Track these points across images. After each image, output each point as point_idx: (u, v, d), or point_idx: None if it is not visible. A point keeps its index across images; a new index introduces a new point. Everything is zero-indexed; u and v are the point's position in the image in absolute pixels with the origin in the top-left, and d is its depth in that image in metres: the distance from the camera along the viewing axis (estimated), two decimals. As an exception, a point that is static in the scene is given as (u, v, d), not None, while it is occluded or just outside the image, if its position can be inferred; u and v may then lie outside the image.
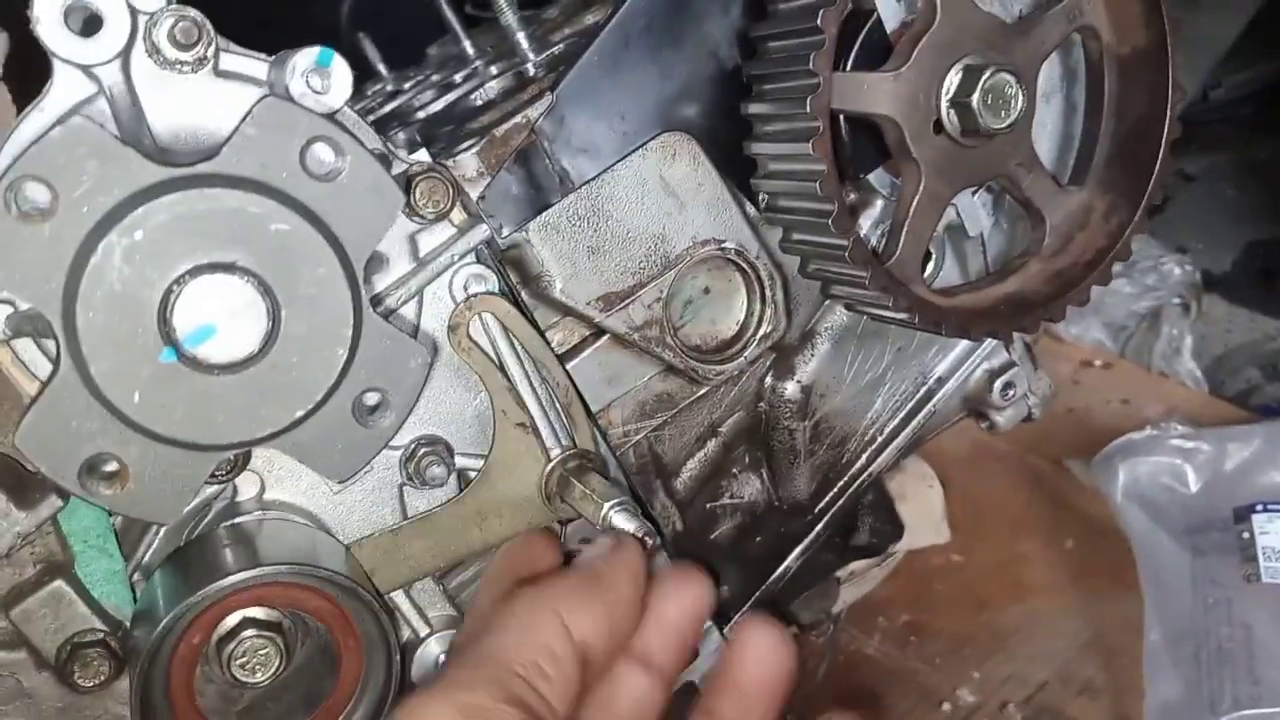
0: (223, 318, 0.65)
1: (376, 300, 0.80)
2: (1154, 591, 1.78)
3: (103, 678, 0.77)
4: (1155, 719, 1.64)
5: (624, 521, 0.80)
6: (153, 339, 0.64)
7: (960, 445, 2.26)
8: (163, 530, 0.80)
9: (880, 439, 1.08)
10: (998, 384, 1.10)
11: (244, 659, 0.74)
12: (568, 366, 0.93)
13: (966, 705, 1.79)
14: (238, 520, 0.80)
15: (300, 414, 0.70)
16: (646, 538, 0.79)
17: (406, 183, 0.79)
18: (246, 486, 0.82)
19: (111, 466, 0.68)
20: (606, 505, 0.81)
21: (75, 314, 0.63)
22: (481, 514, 0.89)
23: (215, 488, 0.81)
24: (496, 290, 0.86)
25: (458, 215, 0.84)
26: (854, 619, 1.95)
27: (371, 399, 0.73)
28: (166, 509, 0.70)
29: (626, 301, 0.91)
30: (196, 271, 0.64)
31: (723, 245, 0.93)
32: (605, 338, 0.94)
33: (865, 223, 0.98)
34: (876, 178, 0.96)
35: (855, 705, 1.80)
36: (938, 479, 1.35)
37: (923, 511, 1.29)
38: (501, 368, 0.87)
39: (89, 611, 0.78)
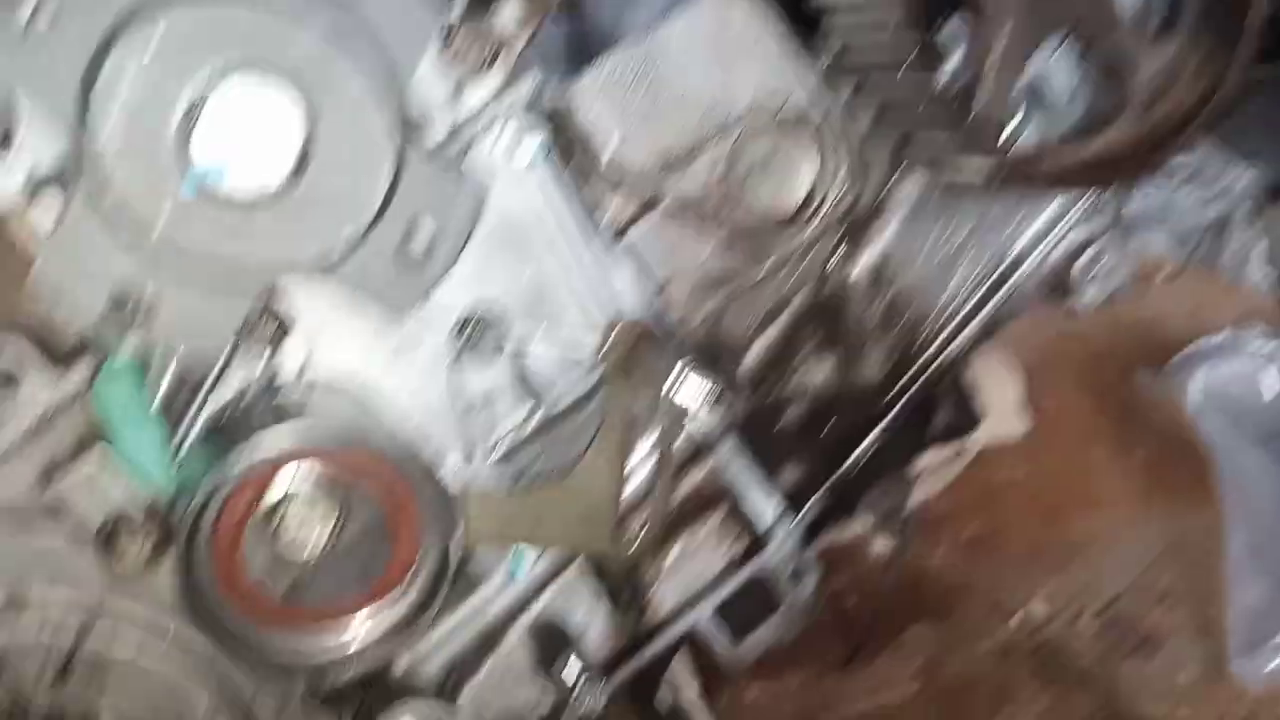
0: (253, 132, 0.60)
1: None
2: (1235, 498, 1.71)
3: (147, 552, 0.74)
4: (1239, 625, 1.58)
5: (695, 383, 0.74)
6: (173, 171, 0.60)
7: (1024, 357, 2.19)
8: (204, 405, 0.77)
9: (957, 319, 1.01)
10: (1084, 257, 1.02)
11: (293, 527, 0.70)
12: (625, 238, 0.87)
13: (1039, 616, 1.74)
14: (282, 387, 0.76)
15: (347, 235, 0.65)
16: (722, 392, 0.74)
17: (448, 31, 0.73)
18: (290, 362, 0.78)
19: (135, 307, 0.64)
20: (679, 365, 0.76)
21: (89, 128, 0.57)
22: (539, 513, 0.85)
23: (258, 364, 0.77)
24: (545, 150, 0.80)
25: (504, 67, 0.78)
26: (917, 534, 1.90)
27: (423, 229, 0.69)
28: (198, 351, 0.66)
29: (685, 165, 0.85)
30: (226, 71, 0.59)
31: (786, 104, 0.87)
32: (661, 207, 0.89)
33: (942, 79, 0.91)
34: (951, 33, 0.89)
35: (923, 617, 1.75)
36: (1015, 368, 1.28)
37: (1000, 401, 1.23)
38: (557, 232, 0.82)
39: (128, 483, 0.75)
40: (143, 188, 0.62)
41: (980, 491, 2.00)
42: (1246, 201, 2.44)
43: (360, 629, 0.77)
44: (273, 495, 0.71)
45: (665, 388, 0.77)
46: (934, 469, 1.22)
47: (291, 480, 0.71)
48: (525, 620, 0.96)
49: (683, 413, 0.85)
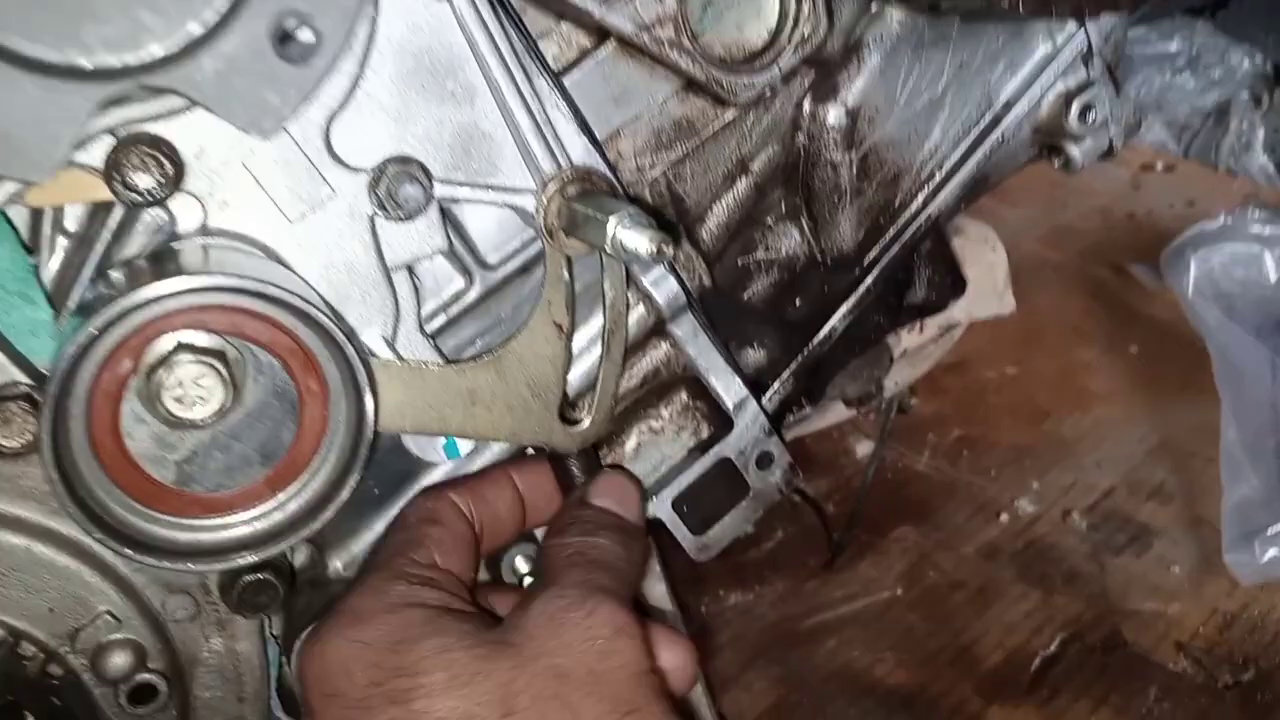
0: None
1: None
2: (1230, 389, 1.64)
3: (29, 437, 0.66)
4: (1233, 518, 1.53)
5: (635, 238, 0.66)
6: None
7: (1013, 257, 2.11)
8: (88, 272, 0.68)
9: (939, 175, 0.93)
10: (1075, 107, 0.94)
11: (180, 390, 0.62)
12: (565, 82, 0.78)
13: (1026, 515, 1.68)
14: (173, 245, 0.66)
15: (196, 29, 0.55)
16: (663, 246, 0.65)
17: None
18: (186, 215, 0.68)
19: None
20: (613, 220, 0.67)
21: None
22: (473, 395, 0.77)
23: (150, 221, 0.68)
24: (471, -36, 0.70)
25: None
26: (900, 436, 1.83)
27: (294, 28, 0.59)
28: (34, 159, 0.57)
29: (632, -8, 0.75)
30: None
31: (747, -79, 0.77)
32: (609, 45, 0.79)
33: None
34: None
35: (906, 520, 1.70)
36: (1000, 243, 1.20)
37: (984, 278, 1.15)
38: (484, 72, 0.72)
39: (8, 362, 0.66)
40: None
41: (968, 391, 1.93)
42: (1246, 88, 2.34)
43: (266, 514, 0.69)
44: (158, 348, 0.62)
45: (607, 243, 0.67)
46: (916, 350, 1.14)
47: (178, 339, 0.62)
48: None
49: (628, 274, 0.76)
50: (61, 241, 0.73)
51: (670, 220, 0.85)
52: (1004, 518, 1.69)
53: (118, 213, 0.70)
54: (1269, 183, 2.20)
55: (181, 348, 0.62)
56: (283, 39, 0.58)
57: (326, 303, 0.71)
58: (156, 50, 0.55)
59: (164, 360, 0.62)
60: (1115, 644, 1.47)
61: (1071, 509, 1.67)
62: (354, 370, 0.65)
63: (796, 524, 1.74)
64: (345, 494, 0.69)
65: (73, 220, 0.73)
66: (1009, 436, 1.82)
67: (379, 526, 0.87)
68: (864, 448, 1.84)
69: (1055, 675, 1.45)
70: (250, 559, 0.68)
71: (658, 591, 1.18)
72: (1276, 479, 1.53)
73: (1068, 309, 2.05)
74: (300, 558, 0.88)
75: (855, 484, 1.77)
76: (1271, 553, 1.46)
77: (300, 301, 0.62)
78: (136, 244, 0.71)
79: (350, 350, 0.65)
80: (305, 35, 0.59)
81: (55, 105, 0.55)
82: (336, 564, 0.88)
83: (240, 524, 0.68)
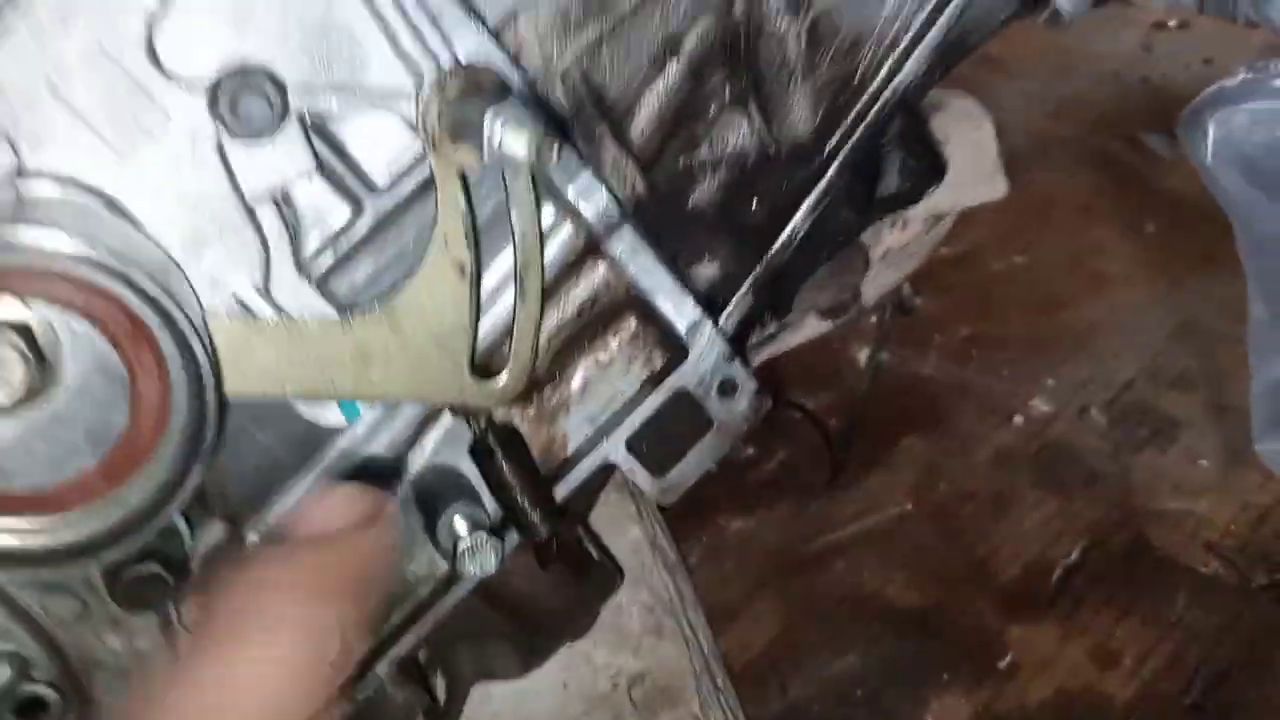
0: None
1: None
2: (1256, 261, 1.51)
3: None
4: (1263, 403, 1.41)
5: (514, 138, 0.54)
6: None
7: (1014, 136, 1.97)
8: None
9: (905, 40, 0.79)
10: (1061, -52, 0.79)
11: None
12: (443, -40, 0.65)
13: (1041, 415, 1.58)
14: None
15: None
16: (543, 148, 0.53)
17: None
18: (-5, 163, 0.57)
19: None
20: (488, 120, 0.55)
21: None
22: (365, 352, 0.66)
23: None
24: None
25: None
26: (903, 339, 1.72)
27: None
28: None
29: None
30: None
31: None
32: (493, -91, 0.66)
33: None
34: None
35: (914, 429, 1.60)
36: (989, 117, 1.06)
37: (970, 159, 1.02)
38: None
39: None
40: None
41: (973, 286, 1.81)
42: (1263, -70, 2.15)
43: (103, 510, 0.58)
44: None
45: (484, 150, 0.56)
46: (900, 249, 1.02)
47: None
48: (406, 477, 0.79)
49: (548, 187, 0.64)
50: None
51: (588, 127, 0.73)
52: (1018, 420, 1.59)
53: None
54: (1292, 33, 2.03)
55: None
56: None
57: (167, 255, 0.59)
58: None
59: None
60: (1140, 548, 1.38)
61: (1089, 405, 1.57)
62: (187, 341, 0.54)
63: (798, 442, 1.65)
64: (193, 483, 0.58)
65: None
66: (1020, 331, 1.71)
67: (293, 495, 0.77)
68: (865, 355, 1.73)
69: (1077, 586, 1.37)
70: (91, 564, 0.58)
71: (631, 536, 1.09)
72: (1311, 357, 1.41)
73: (1078, 188, 1.91)
74: (214, 534, 0.79)
75: (857, 394, 1.67)
76: (1307, 438, 1.34)
77: (119, 265, 0.51)
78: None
79: (181, 320, 0.53)
80: None
81: None
82: (253, 537, 0.79)
83: (70, 524, 0.58)
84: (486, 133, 0.56)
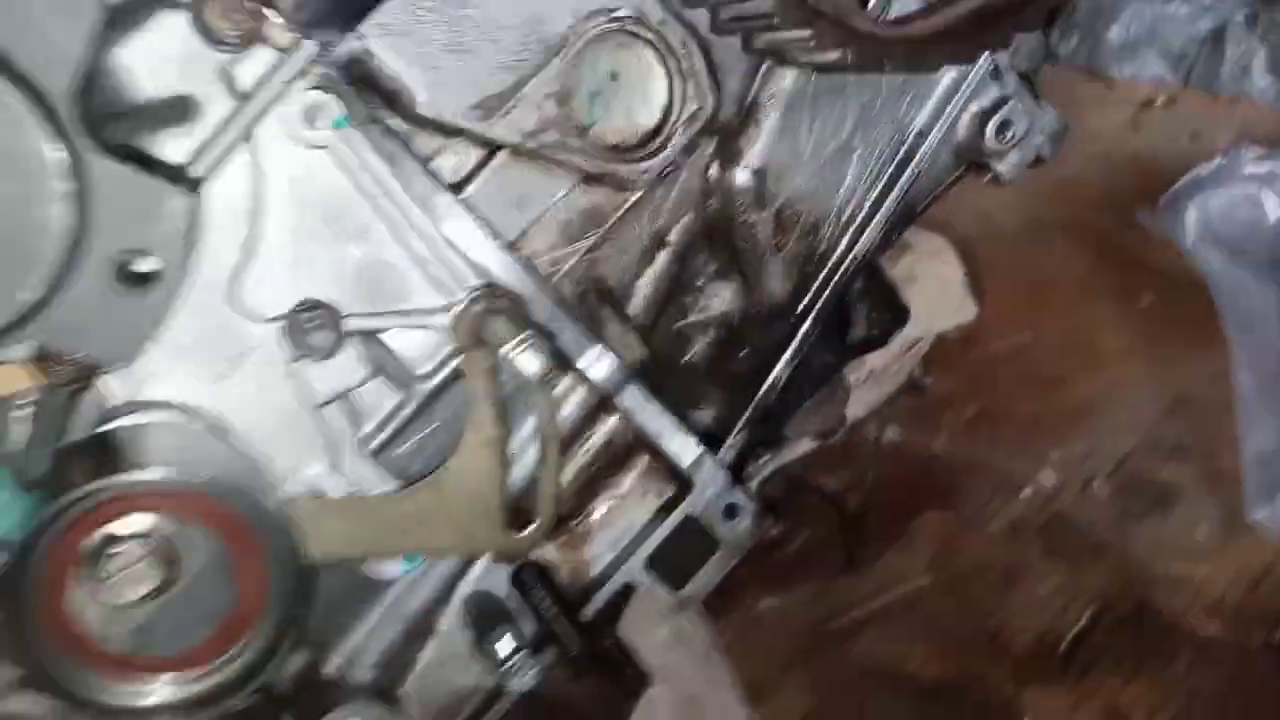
0: None
1: (199, 153, 0.68)
2: (1240, 335, 1.61)
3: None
4: (1253, 472, 1.50)
5: (528, 363, 0.68)
6: None
7: (1013, 220, 2.08)
8: (35, 450, 0.72)
9: (860, 216, 0.93)
10: (991, 126, 0.93)
11: (117, 576, 0.66)
12: (465, 194, 0.80)
13: (1048, 488, 1.66)
14: (106, 429, 0.71)
15: (29, 296, 0.59)
16: (550, 374, 0.67)
17: (198, 6, 0.65)
18: (114, 390, 0.72)
19: None
20: (505, 350, 0.69)
21: None
22: (417, 517, 0.80)
23: (87, 399, 0.72)
24: (343, 118, 0.72)
25: (278, 36, 0.70)
26: (915, 419, 1.82)
27: (137, 262, 0.62)
28: None
29: (508, 105, 0.77)
30: None
31: (614, 15, 0.78)
32: (502, 154, 0.81)
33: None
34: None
35: (928, 504, 1.69)
36: (953, 251, 1.19)
37: (939, 291, 1.14)
38: (375, 208, 0.75)
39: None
40: None
41: (980, 366, 1.91)
42: (1240, 9, 2.26)
43: (216, 670, 0.73)
44: (92, 545, 0.67)
45: (501, 369, 0.70)
46: (883, 369, 1.14)
47: (107, 532, 0.67)
48: (453, 604, 0.92)
49: (541, 383, 0.78)
50: (16, 415, 0.78)
51: (593, 312, 0.86)
52: (1026, 492, 1.68)
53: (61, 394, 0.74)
54: (1274, 104, 2.12)
55: (113, 539, 0.66)
56: (126, 275, 0.61)
57: (252, 462, 0.74)
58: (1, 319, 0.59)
59: (99, 551, 0.66)
60: (1144, 613, 1.46)
61: (1093, 477, 1.65)
62: (280, 523, 0.68)
63: (820, 521, 1.75)
64: (293, 637, 0.72)
65: (21, 398, 0.77)
66: (1025, 408, 1.80)
67: (365, 626, 0.90)
68: (889, 434, 1.84)
69: (1086, 652, 1.45)
70: (218, 710, 0.73)
71: (659, 636, 1.21)
72: (1295, 425, 1.50)
73: (1075, 266, 2.00)
74: (297, 663, 0.92)
75: (871, 475, 1.77)
76: (1295, 505, 1.43)
77: (224, 477, 0.65)
78: (80, 416, 0.75)
79: (272, 508, 0.68)
80: (147, 265, 0.62)
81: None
82: (332, 665, 0.92)
83: (192, 682, 0.73)
84: (504, 353, 0.70)
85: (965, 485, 1.75)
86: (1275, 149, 1.73)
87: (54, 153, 0.56)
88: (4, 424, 0.76)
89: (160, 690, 0.72)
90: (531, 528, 0.84)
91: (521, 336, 0.70)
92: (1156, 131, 2.20)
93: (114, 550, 0.66)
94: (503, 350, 0.69)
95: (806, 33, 0.69)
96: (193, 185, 0.66)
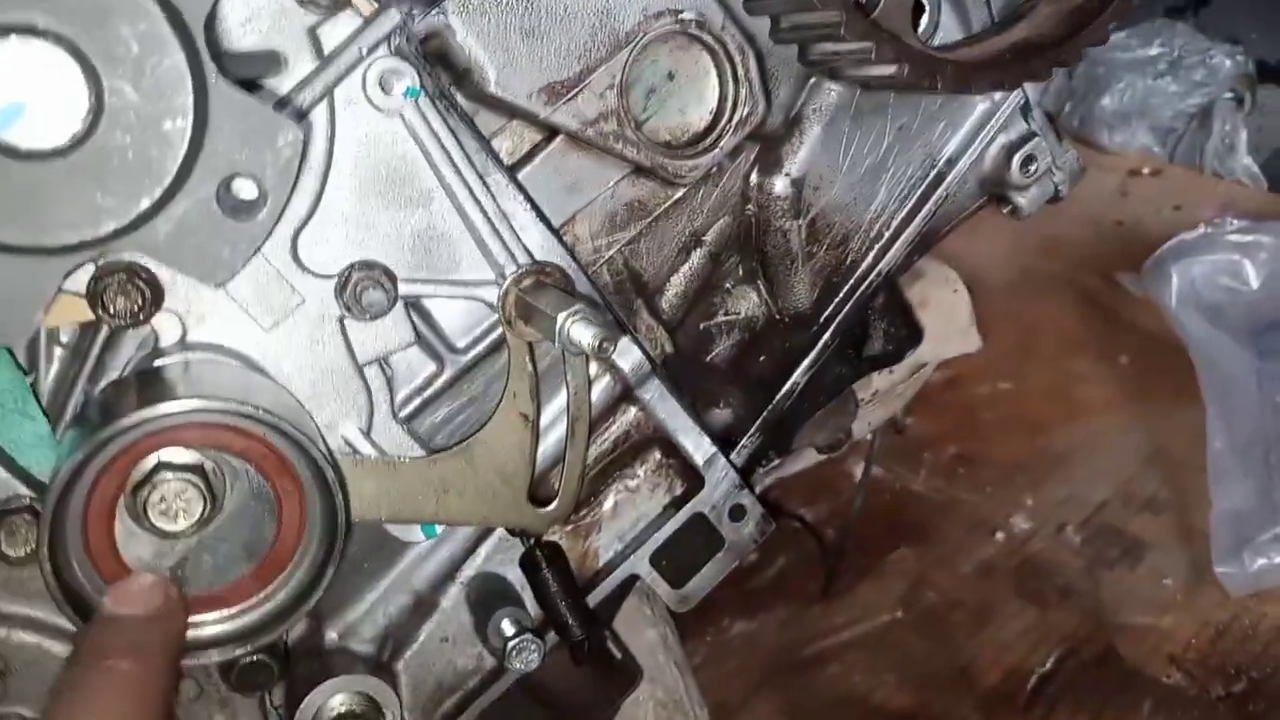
0: (33, 92, 0.56)
1: (282, 104, 0.70)
2: (1217, 398, 1.67)
3: (31, 546, 0.71)
4: (1222, 529, 1.55)
5: (580, 333, 0.70)
6: None
7: (1005, 271, 2.15)
8: (81, 385, 0.73)
9: (887, 234, 0.96)
10: (1016, 159, 0.97)
11: (163, 505, 0.67)
12: (520, 175, 0.82)
13: (1021, 532, 1.71)
14: (155, 364, 0.72)
15: (146, 203, 0.61)
16: (604, 344, 0.70)
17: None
18: (166, 330, 0.74)
19: None
20: (561, 317, 0.71)
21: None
22: (445, 484, 0.81)
23: (135, 336, 0.74)
24: (416, 88, 0.75)
25: (364, 3, 0.73)
26: (896, 456, 1.86)
27: (240, 187, 0.64)
28: (12, 327, 0.62)
29: (574, 91, 0.80)
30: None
31: (680, 17, 0.81)
32: (559, 139, 0.84)
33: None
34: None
35: (904, 541, 1.73)
36: (962, 282, 1.23)
37: (947, 318, 1.18)
38: (438, 177, 0.77)
39: (10, 476, 0.72)
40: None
41: (962, 409, 1.97)
42: (1229, 89, 2.36)
43: (255, 607, 0.74)
44: (142, 468, 0.68)
45: (555, 338, 0.72)
46: (888, 390, 1.18)
47: (158, 459, 0.68)
48: (460, 581, 0.93)
49: (587, 361, 0.81)
50: (58, 353, 0.79)
51: (628, 302, 0.89)
52: (1000, 535, 1.72)
53: (105, 328, 0.75)
54: (1254, 183, 2.21)
55: (162, 466, 0.67)
56: (229, 198, 0.63)
57: (299, 404, 0.75)
58: (112, 225, 0.60)
59: (147, 479, 0.67)
60: (1109, 659, 1.50)
61: (1066, 523, 1.70)
62: (323, 473, 0.70)
63: (798, 549, 1.78)
64: (325, 585, 0.73)
65: (66, 333, 0.78)
66: (1004, 452, 1.85)
67: (370, 596, 0.92)
68: (861, 470, 1.87)
69: (1051, 692, 1.48)
70: (243, 650, 0.73)
71: (648, 638, 1.22)
72: (1264, 487, 1.56)
73: (1061, 320, 2.07)
74: (298, 629, 0.93)
75: (850, 509, 1.80)
76: (1261, 562, 1.48)
77: (270, 417, 0.67)
78: (124, 355, 0.76)
79: (318, 457, 0.69)
80: (250, 192, 0.65)
81: (24, 280, 0.60)
82: (332, 634, 0.93)
83: (231, 618, 0.73)
84: (558, 325, 0.72)
85: (941, 524, 1.79)
86: (1257, 222, 1.81)
87: (186, 70, 0.58)
88: (50, 356, 0.78)
89: (203, 625, 0.73)
90: (554, 504, 0.86)
91: (574, 309, 0.72)
92: (1143, 199, 2.30)
93: (161, 479, 0.67)
94: (558, 324, 0.72)
95: (869, 44, 0.73)
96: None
